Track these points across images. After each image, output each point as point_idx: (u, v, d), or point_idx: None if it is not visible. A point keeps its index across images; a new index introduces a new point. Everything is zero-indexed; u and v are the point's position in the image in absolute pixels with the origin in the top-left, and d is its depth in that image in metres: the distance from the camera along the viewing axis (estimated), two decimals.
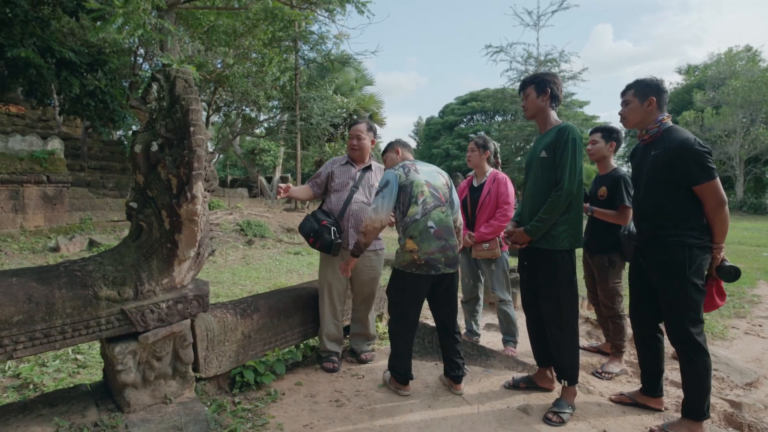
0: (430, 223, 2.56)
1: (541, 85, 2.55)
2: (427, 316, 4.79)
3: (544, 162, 2.47)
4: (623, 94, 2.50)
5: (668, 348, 2.82)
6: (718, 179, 2.21)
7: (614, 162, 3.25)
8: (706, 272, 2.30)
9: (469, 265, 3.48)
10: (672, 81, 36.10)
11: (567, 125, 2.45)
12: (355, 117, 17.04)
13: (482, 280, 3.54)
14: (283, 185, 2.95)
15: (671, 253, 2.27)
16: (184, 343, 2.38)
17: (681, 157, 2.22)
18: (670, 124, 2.40)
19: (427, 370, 3.03)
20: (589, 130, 3.38)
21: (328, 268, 3.06)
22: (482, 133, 3.52)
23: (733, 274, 2.27)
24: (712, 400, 2.76)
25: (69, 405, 2.21)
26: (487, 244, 3.24)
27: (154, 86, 2.20)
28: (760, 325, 4.62)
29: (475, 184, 3.45)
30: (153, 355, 2.28)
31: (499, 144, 3.71)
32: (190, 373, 2.44)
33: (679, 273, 2.23)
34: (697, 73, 32.80)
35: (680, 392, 2.78)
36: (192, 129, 2.09)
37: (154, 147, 2.15)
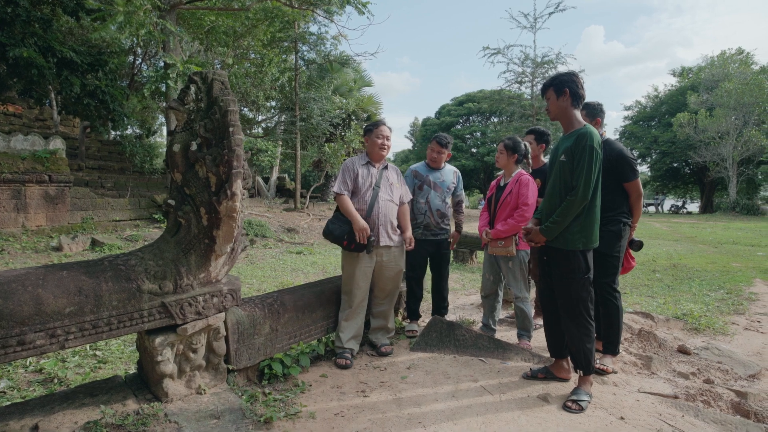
0: None
1: (559, 86, 2.58)
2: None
3: (563, 165, 2.56)
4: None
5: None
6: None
7: (543, 158, 3.96)
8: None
9: (490, 261, 3.58)
10: (666, 83, 36.51)
11: (587, 131, 2.48)
12: (353, 118, 17.11)
13: (502, 278, 3.64)
14: (363, 229, 3.08)
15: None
16: (217, 336, 2.47)
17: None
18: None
19: (446, 363, 3.12)
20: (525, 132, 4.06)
21: (355, 266, 3.15)
22: (515, 136, 3.68)
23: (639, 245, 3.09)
24: (719, 390, 2.93)
25: (108, 395, 2.29)
26: (502, 242, 3.34)
27: (192, 88, 2.28)
28: (758, 321, 4.75)
29: (502, 183, 3.56)
30: (189, 347, 2.37)
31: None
32: (222, 365, 2.53)
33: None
34: (690, 75, 33.05)
35: (690, 383, 2.97)
36: (231, 129, 2.18)
37: (194, 146, 2.23)
